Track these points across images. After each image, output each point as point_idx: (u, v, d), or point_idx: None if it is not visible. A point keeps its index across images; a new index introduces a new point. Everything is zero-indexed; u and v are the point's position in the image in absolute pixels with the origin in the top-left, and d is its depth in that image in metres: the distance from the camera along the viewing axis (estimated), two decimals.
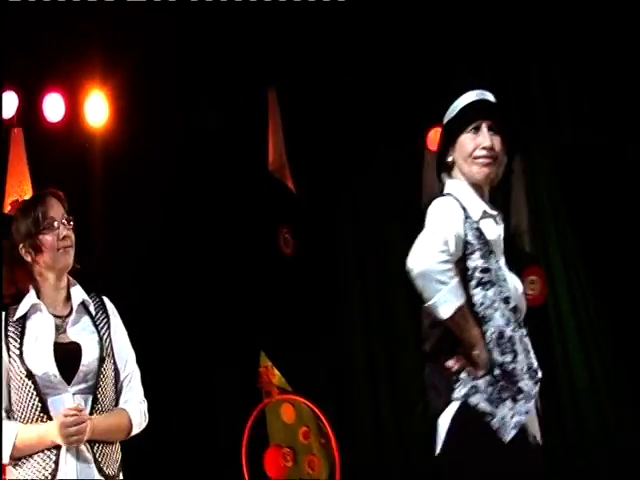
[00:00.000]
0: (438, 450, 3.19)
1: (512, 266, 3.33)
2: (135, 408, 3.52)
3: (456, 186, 3.31)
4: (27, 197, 5.47)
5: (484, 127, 3.28)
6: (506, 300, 3.20)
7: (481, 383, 3.13)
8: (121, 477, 3.48)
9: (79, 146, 5.83)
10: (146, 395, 4.01)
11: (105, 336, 3.55)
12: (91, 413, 3.38)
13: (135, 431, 3.52)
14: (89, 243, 4.87)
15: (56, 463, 3.33)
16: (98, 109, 5.90)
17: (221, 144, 6.15)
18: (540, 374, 3.21)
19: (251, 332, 6.16)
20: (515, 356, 3.17)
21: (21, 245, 3.49)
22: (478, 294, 3.15)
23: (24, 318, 3.47)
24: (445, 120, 3.40)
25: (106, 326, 3.59)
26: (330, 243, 6.61)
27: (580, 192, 6.55)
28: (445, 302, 3.07)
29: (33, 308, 3.47)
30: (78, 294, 3.57)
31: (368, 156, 6.51)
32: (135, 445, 4.07)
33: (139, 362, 4.21)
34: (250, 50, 6.04)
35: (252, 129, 6.27)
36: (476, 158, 3.27)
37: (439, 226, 3.18)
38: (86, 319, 3.57)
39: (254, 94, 6.29)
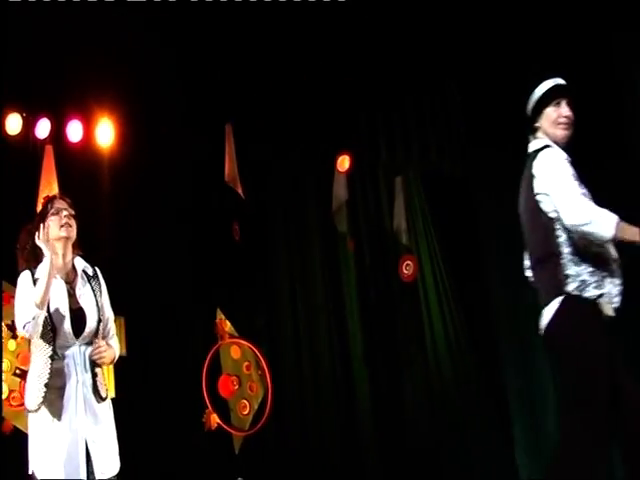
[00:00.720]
0: (542, 331, 3.60)
1: None
2: (116, 347, 4.16)
3: (547, 141, 3.77)
4: (54, 193, 5.60)
5: (564, 102, 3.79)
6: None
7: (586, 277, 3.52)
8: (109, 398, 4.04)
9: (92, 160, 6.46)
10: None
11: (99, 301, 4.02)
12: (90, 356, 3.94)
13: (115, 360, 4.19)
14: (97, 229, 5.83)
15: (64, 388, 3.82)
16: (106, 134, 6.55)
17: (193, 163, 6.84)
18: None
19: (211, 293, 6.92)
20: (607, 249, 3.63)
21: (39, 226, 3.99)
22: None
23: None
24: (533, 99, 3.81)
25: (99, 292, 4.05)
26: (266, 233, 7.34)
27: (440, 203, 7.45)
28: (606, 225, 3.46)
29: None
30: (80, 263, 4.07)
31: (295, 173, 7.31)
32: (127, 373, 5.48)
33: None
34: (215, 97, 6.68)
35: (214, 152, 6.98)
36: (559, 124, 3.76)
37: (564, 170, 3.60)
38: (88, 286, 4.01)
39: (216, 129, 7.01)
